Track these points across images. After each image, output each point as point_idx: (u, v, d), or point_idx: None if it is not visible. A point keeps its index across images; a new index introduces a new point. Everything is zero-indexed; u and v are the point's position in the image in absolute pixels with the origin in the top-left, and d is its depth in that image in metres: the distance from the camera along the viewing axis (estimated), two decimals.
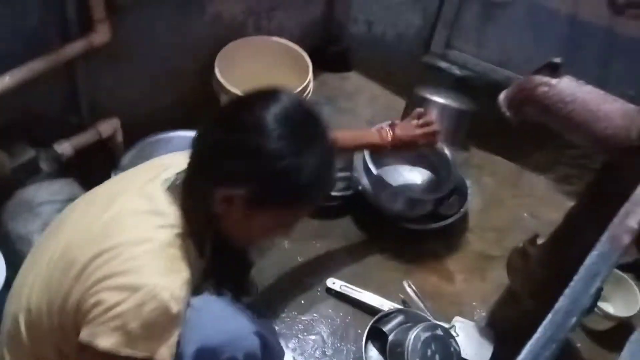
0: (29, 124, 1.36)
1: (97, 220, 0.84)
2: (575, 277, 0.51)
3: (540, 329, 0.47)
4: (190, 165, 0.87)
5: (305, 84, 1.65)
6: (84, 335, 0.77)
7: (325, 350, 1.40)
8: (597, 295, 0.49)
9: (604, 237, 0.54)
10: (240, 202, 0.82)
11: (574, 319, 0.46)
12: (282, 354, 1.10)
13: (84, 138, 1.45)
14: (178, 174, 0.89)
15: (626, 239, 0.54)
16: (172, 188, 0.87)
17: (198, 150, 0.86)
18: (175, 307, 0.76)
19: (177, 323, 0.78)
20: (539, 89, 1.10)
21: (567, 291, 0.50)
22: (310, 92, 1.70)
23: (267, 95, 0.84)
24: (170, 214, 0.84)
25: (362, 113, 2.03)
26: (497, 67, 1.84)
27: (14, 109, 1.30)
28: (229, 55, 1.70)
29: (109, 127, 1.50)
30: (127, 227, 0.82)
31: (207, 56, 1.67)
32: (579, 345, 1.49)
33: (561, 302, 0.48)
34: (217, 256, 0.94)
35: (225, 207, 0.82)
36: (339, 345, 1.41)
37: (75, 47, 1.31)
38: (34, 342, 0.86)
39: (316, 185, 0.85)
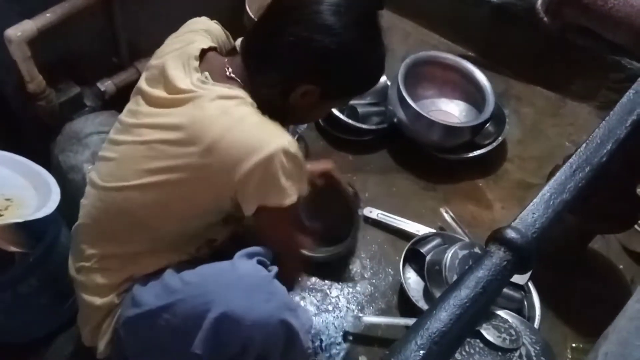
0: (73, 63, 1.42)
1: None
2: (611, 113, 0.50)
3: (574, 156, 0.47)
4: (260, 56, 0.90)
5: None
6: (252, 203, 0.87)
7: (364, 273, 1.42)
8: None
9: None
10: (314, 95, 0.89)
11: (608, 146, 0.46)
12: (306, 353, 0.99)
13: (124, 76, 1.49)
14: (211, 72, 0.90)
15: None
16: (225, 79, 0.90)
17: (270, 44, 0.88)
18: (299, 153, 0.86)
19: (304, 162, 0.89)
20: None
21: (602, 124, 0.49)
22: None
23: None
24: (239, 94, 0.87)
25: (396, 50, 1.99)
26: None
27: (58, 47, 1.36)
28: None
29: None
30: (215, 118, 0.84)
31: None
32: (621, 267, 1.47)
33: (595, 133, 0.48)
34: None
35: (299, 98, 0.89)
36: (377, 268, 1.43)
37: None
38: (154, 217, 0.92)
39: (380, 72, 0.93)
